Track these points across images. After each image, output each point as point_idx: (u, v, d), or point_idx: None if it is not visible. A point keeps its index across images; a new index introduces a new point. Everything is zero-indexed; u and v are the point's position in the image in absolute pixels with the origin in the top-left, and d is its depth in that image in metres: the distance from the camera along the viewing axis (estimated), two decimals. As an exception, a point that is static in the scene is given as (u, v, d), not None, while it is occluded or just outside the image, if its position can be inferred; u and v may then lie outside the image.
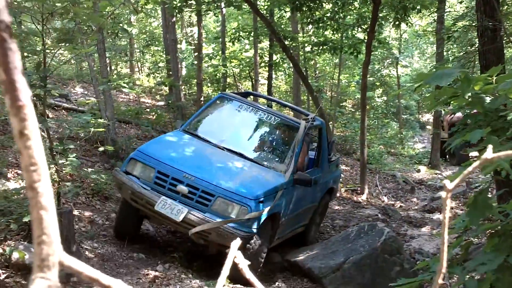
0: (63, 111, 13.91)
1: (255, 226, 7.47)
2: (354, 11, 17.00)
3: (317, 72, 27.97)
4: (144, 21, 27.82)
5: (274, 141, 9.49)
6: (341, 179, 15.39)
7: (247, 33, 19.83)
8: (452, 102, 3.33)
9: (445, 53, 20.49)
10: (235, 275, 6.88)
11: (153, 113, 18.11)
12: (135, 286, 6.96)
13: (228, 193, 7.50)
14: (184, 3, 16.55)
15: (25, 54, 7.49)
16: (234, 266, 1.12)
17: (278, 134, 9.69)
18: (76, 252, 7.35)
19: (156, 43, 26.10)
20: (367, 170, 16.12)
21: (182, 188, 7.55)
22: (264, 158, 8.83)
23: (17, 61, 0.84)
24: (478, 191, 3.27)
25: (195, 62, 23.20)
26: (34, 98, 7.44)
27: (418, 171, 20.76)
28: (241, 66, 24.06)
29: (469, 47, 15.72)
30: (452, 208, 14.04)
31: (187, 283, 7.22)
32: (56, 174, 7.61)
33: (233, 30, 20.54)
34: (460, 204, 14.29)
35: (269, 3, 17.98)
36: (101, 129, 8.39)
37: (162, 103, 21.46)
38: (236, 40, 19.97)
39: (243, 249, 7.09)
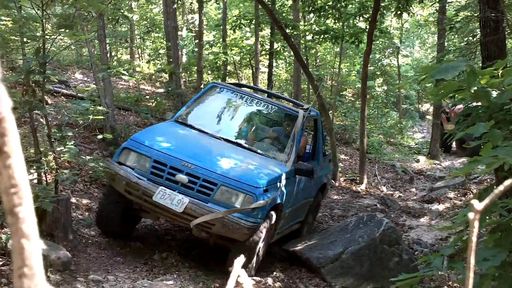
0: (62, 97, 13.84)
1: (260, 216, 7.11)
2: (356, 0, 16.91)
3: (317, 61, 27.89)
4: (145, 8, 27.68)
5: (272, 130, 9.17)
6: (340, 169, 15.39)
7: (248, 21, 19.74)
8: (457, 96, 3.28)
9: (446, 44, 20.42)
10: None
11: (153, 100, 18.03)
12: (131, 275, 6.94)
13: (232, 182, 7.07)
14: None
15: (25, 39, 7.44)
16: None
17: (276, 123, 9.45)
18: (73, 240, 7.34)
19: (157, 29, 26.00)
20: (366, 159, 16.08)
21: (182, 177, 7.07)
22: (264, 148, 8.47)
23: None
24: (484, 188, 3.23)
25: (196, 49, 23.12)
26: (33, 84, 7.41)
27: (417, 161, 20.74)
28: (241, 54, 23.97)
29: (470, 38, 15.65)
30: (450, 198, 14.04)
31: (185, 272, 7.20)
32: (54, 161, 7.59)
33: (234, 18, 20.43)
34: (458, 195, 14.27)
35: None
36: (100, 117, 8.34)
37: (162, 90, 21.37)
38: (237, 28, 19.88)
39: (245, 242, 7.14)
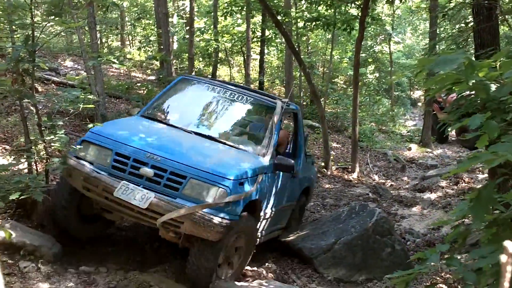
0: (53, 85, 13.73)
1: (236, 212, 6.36)
2: (348, -13, 16.81)
3: (309, 48, 27.81)
4: (135, -6, 27.53)
5: (249, 122, 8.40)
6: (332, 157, 15.36)
7: (240, 8, 19.65)
8: (454, 88, 3.22)
9: (438, 31, 20.35)
10: None
11: (144, 88, 17.95)
12: (123, 266, 6.89)
13: (202, 174, 6.27)
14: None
15: (14, 27, 7.35)
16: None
17: (252, 115, 8.61)
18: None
19: (148, 16, 25.87)
20: (358, 148, 16.06)
21: (146, 170, 6.35)
22: (239, 141, 7.65)
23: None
24: (482, 185, 3.19)
25: (187, 36, 23.00)
26: (23, 72, 7.32)
27: (409, 149, 20.73)
28: (233, 41, 23.91)
29: (463, 25, 15.59)
30: (442, 187, 14.05)
31: (177, 262, 7.15)
32: (44, 150, 7.50)
33: (225, 4, 20.36)
34: (450, 184, 14.26)
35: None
36: (91, 105, 8.26)
37: (153, 77, 21.28)
38: (228, 15, 19.80)
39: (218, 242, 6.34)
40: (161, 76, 18.54)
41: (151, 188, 6.29)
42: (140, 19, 26.14)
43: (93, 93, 11.06)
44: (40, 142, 7.39)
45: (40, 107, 9.77)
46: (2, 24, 7.41)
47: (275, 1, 20.34)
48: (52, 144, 7.37)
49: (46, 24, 7.69)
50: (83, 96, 7.97)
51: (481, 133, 3.10)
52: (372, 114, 25.55)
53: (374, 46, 29.97)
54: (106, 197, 6.45)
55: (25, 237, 6.41)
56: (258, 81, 22.40)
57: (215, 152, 6.99)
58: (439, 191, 13.78)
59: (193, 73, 19.70)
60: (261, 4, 16.45)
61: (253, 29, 22.55)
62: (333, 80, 26.76)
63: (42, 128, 7.32)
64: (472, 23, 10.36)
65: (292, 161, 7.47)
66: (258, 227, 7.33)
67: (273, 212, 7.88)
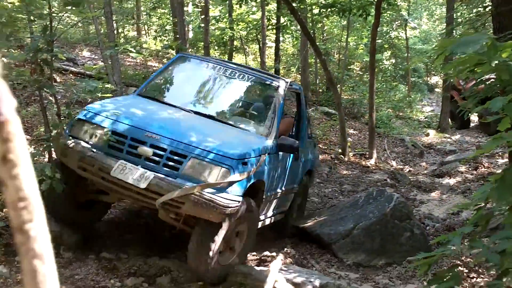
0: (71, 75, 13.80)
1: (239, 192, 6.07)
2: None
3: (325, 34, 27.73)
4: (150, -17, 27.54)
5: (251, 102, 8.13)
6: (349, 143, 15.32)
7: (255, -5, 19.59)
8: (476, 70, 3.20)
9: (455, 15, 20.20)
10: None
11: (160, 77, 17.94)
12: (143, 252, 6.92)
13: (204, 153, 6.02)
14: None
15: (32, 18, 7.39)
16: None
17: (254, 94, 8.44)
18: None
19: (163, 5, 25.87)
20: (375, 134, 16.01)
21: (145, 149, 6.08)
22: (241, 121, 7.40)
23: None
24: (506, 167, 3.18)
25: (202, 25, 22.96)
26: (41, 62, 7.37)
27: (427, 135, 20.62)
28: (248, 28, 23.86)
29: (481, 9, 15.45)
30: (461, 172, 13.98)
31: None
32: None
33: (240, -8, 20.29)
34: (469, 169, 14.19)
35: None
36: (108, 95, 8.30)
37: (169, 66, 21.26)
38: (243, 2, 19.72)
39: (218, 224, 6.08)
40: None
41: (150, 168, 6.00)
42: (156, 9, 26.15)
43: (111, 83, 11.11)
44: (60, 131, 7.44)
45: (59, 97, 9.82)
46: (20, 15, 7.44)
47: (290, -12, 20.29)
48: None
49: (63, 14, 7.74)
50: (101, 86, 8.01)
51: (503, 116, 3.09)
52: (389, 100, 25.41)
53: (390, 32, 29.83)
54: (103, 177, 6.13)
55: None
56: (273, 69, 22.36)
57: (216, 132, 6.69)
58: (458, 176, 13.71)
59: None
60: (276, -9, 16.41)
61: (268, 17, 22.48)
62: (349, 67, 26.66)
63: (61, 118, 7.37)
64: (490, 7, 10.28)
65: (297, 142, 7.21)
66: (260, 210, 7.03)
67: (276, 195, 7.61)
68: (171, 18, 22.19)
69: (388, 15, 26.62)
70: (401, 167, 15.56)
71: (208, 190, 5.82)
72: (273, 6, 23.19)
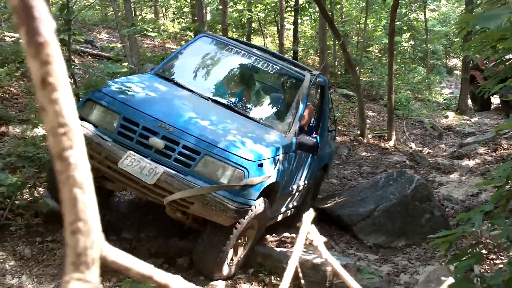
0: (89, 57, 13.84)
1: (252, 196, 5.75)
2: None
3: (343, 16, 27.53)
4: (168, -35, 27.47)
5: (273, 94, 7.78)
6: (367, 125, 15.26)
7: (273, -23, 19.49)
8: (498, 46, 3.16)
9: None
10: None
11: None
12: (163, 233, 6.94)
13: (219, 151, 5.63)
14: None
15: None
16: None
17: (277, 86, 8.03)
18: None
19: (180, -13, 25.81)
20: (394, 116, 15.93)
21: (156, 141, 5.70)
22: (260, 115, 7.01)
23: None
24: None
25: (220, 7, 22.91)
26: (59, 43, 7.39)
27: (446, 117, 20.47)
28: (266, 10, 23.73)
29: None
30: (481, 154, 13.89)
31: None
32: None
33: (259, -26, 20.20)
34: (489, 151, 14.09)
35: None
36: (127, 76, 8.31)
37: (187, 48, 21.24)
38: (262, -16, 19.65)
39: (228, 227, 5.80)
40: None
41: (160, 162, 5.66)
42: (173, -9, 26.12)
43: (129, 64, 11.13)
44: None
45: (78, 79, 9.85)
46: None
47: (309, -31, 20.19)
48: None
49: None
50: (119, 67, 8.02)
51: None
52: (408, 82, 25.22)
53: (409, 14, 29.53)
54: (109, 167, 5.74)
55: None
56: (292, 51, 22.28)
57: (234, 127, 6.28)
58: (477, 158, 13.62)
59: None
60: (294, -28, 16.31)
61: (286, -1, 22.39)
62: (367, 49, 26.47)
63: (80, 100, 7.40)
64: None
65: (316, 141, 6.79)
66: (271, 209, 6.60)
67: (290, 193, 7.30)
68: (189, 0, 22.15)
69: (407, -4, 26.42)
70: (420, 149, 15.48)
71: (219, 192, 5.51)
72: (291, -13, 23.08)
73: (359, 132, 15.17)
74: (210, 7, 26.49)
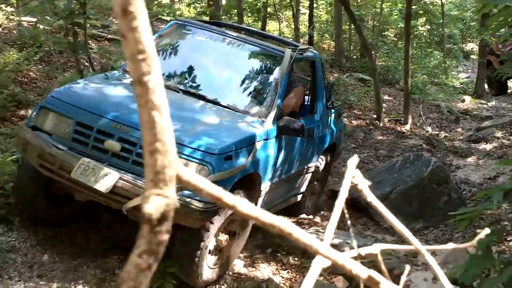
0: (106, 41, 13.89)
1: None
2: None
3: (359, 0, 27.39)
4: (183, -50, 27.46)
5: (249, 77, 6.88)
6: (383, 109, 15.21)
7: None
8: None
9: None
10: None
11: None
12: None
13: (180, 148, 5.06)
14: None
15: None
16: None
17: (254, 68, 7.07)
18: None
19: (196, -28, 25.78)
20: (410, 100, 15.88)
21: (112, 144, 5.29)
22: (236, 101, 6.46)
23: None
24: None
25: (236, -8, 22.90)
26: (75, 25, 7.43)
27: (463, 101, 20.38)
28: (282, -5, 23.70)
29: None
30: (498, 138, 13.84)
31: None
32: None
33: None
34: (506, 134, 14.04)
35: None
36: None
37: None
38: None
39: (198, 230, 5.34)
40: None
41: (118, 166, 5.25)
42: (189, -24, 26.09)
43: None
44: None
45: (95, 63, 9.91)
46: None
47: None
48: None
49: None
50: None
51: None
52: (424, 66, 25.08)
53: (425, -3, 29.35)
54: (63, 176, 5.34)
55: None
56: (307, 35, 22.22)
57: (201, 118, 5.89)
58: (495, 142, 13.58)
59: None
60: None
61: (302, -17, 22.31)
62: (383, 33, 26.34)
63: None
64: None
65: (301, 123, 6.30)
66: (259, 202, 6.26)
67: (281, 181, 6.79)
68: (204, -15, 22.14)
69: (423, -20, 26.23)
70: (437, 133, 15.44)
71: (184, 193, 5.01)
72: (306, -29, 23.00)
73: (375, 116, 15.13)
74: (225, -9, 26.48)
